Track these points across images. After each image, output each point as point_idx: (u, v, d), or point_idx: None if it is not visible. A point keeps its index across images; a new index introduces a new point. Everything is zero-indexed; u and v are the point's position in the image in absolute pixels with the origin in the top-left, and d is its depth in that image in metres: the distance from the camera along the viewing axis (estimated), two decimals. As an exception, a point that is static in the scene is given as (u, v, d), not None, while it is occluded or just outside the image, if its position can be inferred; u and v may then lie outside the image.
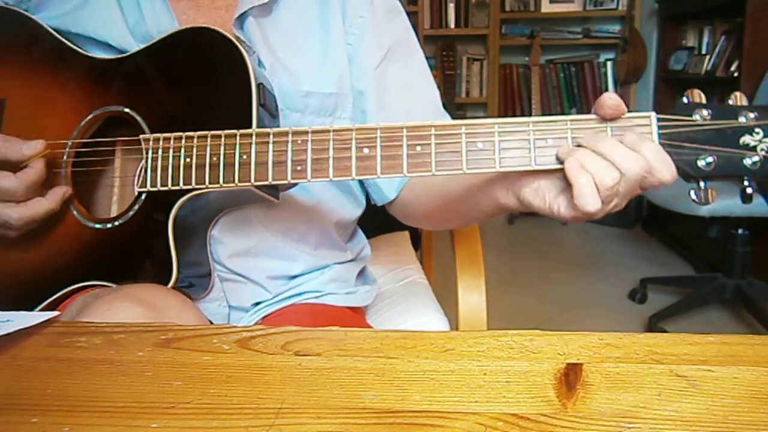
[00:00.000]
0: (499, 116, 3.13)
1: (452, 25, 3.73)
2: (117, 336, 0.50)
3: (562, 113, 3.16)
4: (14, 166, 0.66)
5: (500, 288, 2.53)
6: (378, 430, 0.37)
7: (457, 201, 0.71)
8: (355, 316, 0.87)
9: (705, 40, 2.94)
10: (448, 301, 1.00)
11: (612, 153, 0.53)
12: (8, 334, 0.50)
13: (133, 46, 0.73)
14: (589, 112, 0.57)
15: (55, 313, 0.55)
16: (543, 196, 0.57)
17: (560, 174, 0.55)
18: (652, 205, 2.85)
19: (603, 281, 2.63)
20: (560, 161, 0.55)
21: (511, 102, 3.89)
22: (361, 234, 0.96)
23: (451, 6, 3.70)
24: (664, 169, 0.53)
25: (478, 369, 0.44)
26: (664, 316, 2.16)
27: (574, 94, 3.82)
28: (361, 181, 0.86)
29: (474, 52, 3.82)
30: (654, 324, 2.14)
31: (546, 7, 3.69)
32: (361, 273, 0.94)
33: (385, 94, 0.81)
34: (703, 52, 2.91)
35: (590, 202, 0.52)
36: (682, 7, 3.05)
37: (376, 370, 0.44)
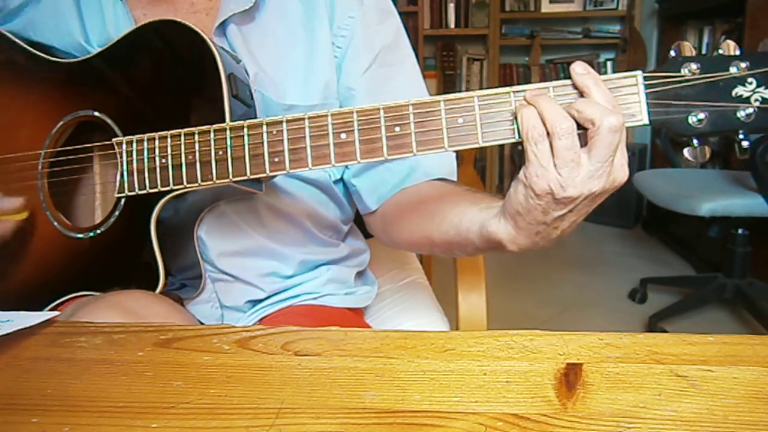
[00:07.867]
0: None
1: (452, 25, 3.73)
2: (117, 336, 0.50)
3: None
4: None
5: (500, 288, 2.53)
6: (378, 430, 0.37)
7: (452, 233, 0.67)
8: (354, 317, 0.87)
9: (705, 40, 2.93)
10: (448, 301, 0.99)
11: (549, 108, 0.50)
12: (8, 334, 0.50)
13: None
14: None
15: (56, 313, 0.55)
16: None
17: None
18: (652, 205, 2.84)
19: (603, 281, 2.62)
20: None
21: (511, 102, 3.89)
22: (360, 237, 0.94)
23: (451, 6, 3.70)
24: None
25: (478, 369, 0.44)
26: (664, 316, 2.15)
27: (574, 94, 3.82)
28: (346, 187, 0.85)
29: (474, 52, 3.82)
30: (654, 324, 2.14)
31: (546, 7, 3.68)
32: (361, 274, 0.94)
33: (371, 101, 0.79)
34: (703, 52, 2.90)
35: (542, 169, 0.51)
36: (682, 7, 3.05)
37: (376, 370, 0.44)
